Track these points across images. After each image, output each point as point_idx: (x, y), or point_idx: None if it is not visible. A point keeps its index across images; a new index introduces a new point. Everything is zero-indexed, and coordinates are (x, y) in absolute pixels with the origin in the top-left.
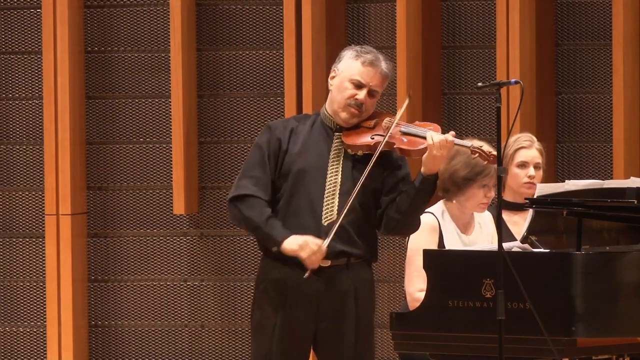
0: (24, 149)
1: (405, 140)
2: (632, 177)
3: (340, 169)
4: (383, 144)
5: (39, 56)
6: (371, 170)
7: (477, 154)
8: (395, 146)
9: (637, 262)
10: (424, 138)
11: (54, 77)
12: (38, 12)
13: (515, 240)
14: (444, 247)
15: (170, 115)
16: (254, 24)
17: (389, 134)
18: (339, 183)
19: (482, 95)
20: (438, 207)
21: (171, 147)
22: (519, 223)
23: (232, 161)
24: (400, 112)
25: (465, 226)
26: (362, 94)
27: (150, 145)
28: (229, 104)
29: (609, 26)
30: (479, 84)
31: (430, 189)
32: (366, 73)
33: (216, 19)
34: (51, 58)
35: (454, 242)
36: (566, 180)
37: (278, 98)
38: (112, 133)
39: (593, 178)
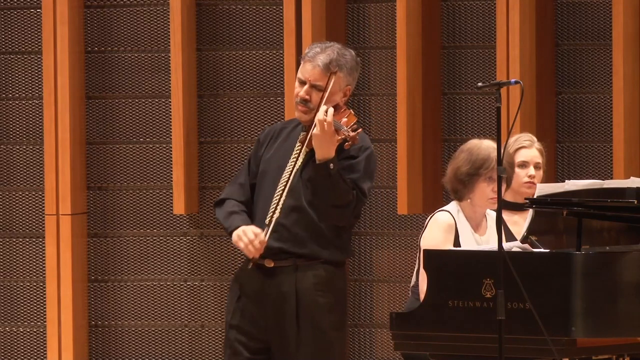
0: (24, 149)
1: None
2: (632, 177)
3: (294, 167)
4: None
5: (39, 56)
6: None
7: (342, 137)
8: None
9: (637, 262)
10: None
11: (54, 77)
12: (38, 12)
13: (515, 240)
14: (460, 246)
15: (170, 115)
16: (254, 24)
17: (313, 125)
18: (289, 182)
19: (482, 95)
20: (453, 206)
21: (171, 147)
22: (519, 223)
23: (232, 161)
24: (323, 100)
25: (478, 226)
26: (302, 91)
27: (150, 145)
28: (229, 104)
29: (609, 26)
30: (479, 84)
31: (323, 174)
32: (305, 69)
33: (216, 19)
34: (51, 58)
35: (469, 241)
36: (566, 180)
37: (278, 98)
38: (112, 133)
39: (593, 178)
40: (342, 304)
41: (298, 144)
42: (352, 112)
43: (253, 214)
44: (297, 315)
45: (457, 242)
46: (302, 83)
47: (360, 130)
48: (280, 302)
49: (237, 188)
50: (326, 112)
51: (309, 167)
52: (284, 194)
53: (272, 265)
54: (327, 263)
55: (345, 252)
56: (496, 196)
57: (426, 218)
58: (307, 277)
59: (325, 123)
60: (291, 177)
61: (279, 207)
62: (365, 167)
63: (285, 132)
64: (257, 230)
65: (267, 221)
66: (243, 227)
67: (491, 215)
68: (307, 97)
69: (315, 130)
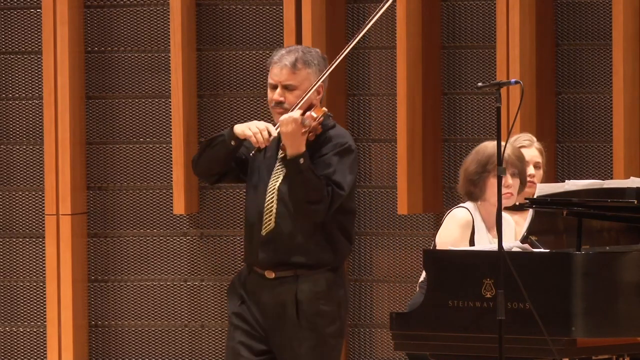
0: (24, 149)
1: None
2: (632, 177)
3: (282, 176)
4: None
5: (39, 56)
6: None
7: (305, 129)
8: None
9: (637, 262)
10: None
11: (54, 77)
12: (38, 12)
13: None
14: (474, 244)
15: (170, 115)
16: (254, 24)
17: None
18: (276, 191)
19: (482, 95)
20: (470, 204)
21: (171, 147)
22: (519, 223)
23: None
24: (304, 99)
25: (492, 227)
26: (275, 94)
27: (150, 145)
28: (229, 104)
29: (609, 26)
30: (479, 84)
31: (295, 170)
32: (273, 73)
33: (216, 19)
34: (51, 58)
35: (483, 239)
36: (566, 180)
37: None
38: (112, 133)
39: (593, 178)
40: (343, 312)
41: (280, 151)
42: (325, 108)
43: (245, 225)
44: (299, 323)
45: (472, 240)
46: (274, 87)
47: (321, 118)
48: (280, 311)
49: None
50: (292, 109)
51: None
52: (275, 199)
53: (272, 276)
54: (328, 270)
55: (343, 253)
56: (508, 190)
57: (426, 218)
58: (307, 287)
59: (288, 119)
60: (277, 185)
61: (273, 215)
62: (339, 162)
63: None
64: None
65: (263, 234)
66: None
67: (509, 217)
68: (281, 99)
69: (283, 128)
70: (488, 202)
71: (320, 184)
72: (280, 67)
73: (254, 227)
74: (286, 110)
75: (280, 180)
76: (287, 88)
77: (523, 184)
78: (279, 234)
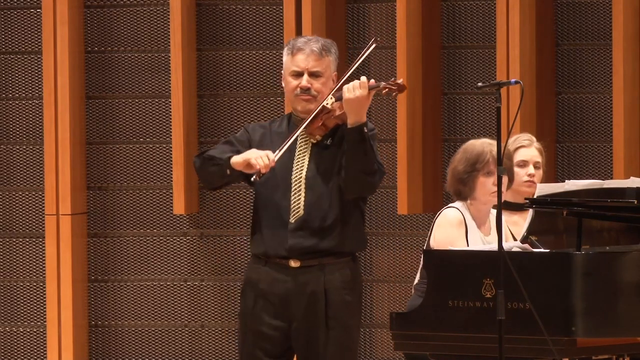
0: (24, 149)
1: (340, 106)
2: (632, 177)
3: (306, 163)
4: (324, 118)
5: (39, 56)
6: (329, 157)
7: (386, 89)
8: (336, 115)
9: (637, 262)
10: None
11: (54, 77)
12: (38, 12)
13: (515, 240)
14: (467, 243)
15: (170, 115)
16: (254, 24)
17: (320, 106)
18: (304, 178)
19: (482, 95)
20: (459, 204)
21: (171, 147)
22: (519, 223)
23: None
24: (340, 83)
25: (482, 225)
26: (303, 80)
27: (150, 145)
28: (229, 104)
29: (609, 26)
30: (479, 84)
31: (357, 139)
32: (298, 60)
33: (216, 19)
34: (51, 58)
35: (476, 237)
36: (566, 180)
37: (278, 98)
38: (112, 133)
39: (593, 178)
40: (361, 303)
41: (303, 137)
42: None
43: (260, 219)
44: (326, 314)
45: (465, 238)
46: (298, 75)
47: (401, 79)
48: (309, 302)
49: (230, 150)
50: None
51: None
52: (302, 188)
53: (298, 265)
54: (350, 260)
55: (364, 242)
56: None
57: (426, 218)
58: (334, 277)
59: (356, 83)
60: (304, 173)
61: (301, 203)
62: (373, 144)
63: (279, 128)
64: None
65: (292, 221)
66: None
67: (494, 215)
68: (309, 85)
69: (350, 94)
70: (478, 201)
71: (375, 156)
72: (306, 54)
73: (276, 218)
74: (314, 97)
75: (305, 168)
76: (313, 75)
77: (511, 181)
78: (307, 222)
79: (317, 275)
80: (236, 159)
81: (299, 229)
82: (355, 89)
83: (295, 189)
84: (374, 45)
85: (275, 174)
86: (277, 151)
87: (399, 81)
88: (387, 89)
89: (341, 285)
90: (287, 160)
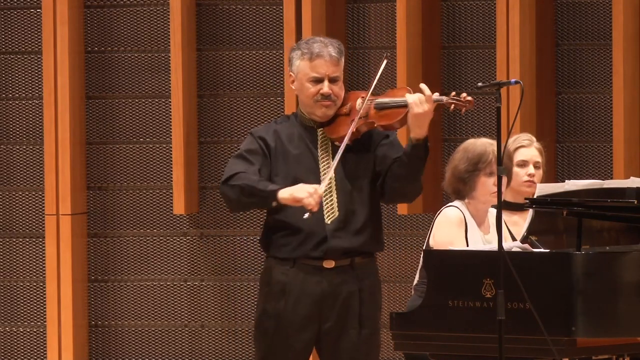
0: (24, 149)
1: (383, 115)
2: (632, 177)
3: (333, 164)
4: (359, 124)
5: (39, 56)
6: (356, 157)
7: (452, 105)
8: (375, 125)
9: (637, 262)
10: (402, 106)
11: (54, 77)
12: (38, 12)
13: (515, 240)
14: (467, 241)
15: (170, 115)
16: (254, 24)
17: (358, 116)
18: (334, 179)
19: (482, 95)
20: (459, 203)
21: (171, 147)
22: (519, 223)
23: None
24: (370, 89)
25: (481, 224)
26: (325, 87)
27: (150, 145)
28: (229, 104)
29: (609, 26)
30: (479, 84)
31: (422, 154)
32: (318, 66)
33: (216, 19)
34: (51, 58)
35: (476, 236)
36: (566, 180)
37: (278, 98)
38: (112, 133)
39: (593, 178)
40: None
41: (324, 137)
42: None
43: (284, 221)
44: (360, 313)
45: (465, 237)
46: (318, 81)
47: (469, 97)
48: (344, 302)
49: (245, 164)
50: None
51: (380, 146)
52: (334, 189)
53: (332, 265)
54: (374, 260)
55: (383, 243)
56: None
57: (426, 218)
58: (366, 276)
59: (422, 98)
60: (333, 175)
61: (335, 204)
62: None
63: (286, 130)
64: (315, 185)
65: (328, 222)
66: (298, 184)
67: (493, 214)
68: (330, 92)
69: (418, 109)
70: (476, 200)
71: None
72: (325, 60)
73: (306, 220)
74: (334, 102)
75: (332, 169)
76: (332, 80)
77: (509, 180)
78: (344, 222)
79: (351, 275)
80: (284, 195)
81: (338, 230)
82: (422, 103)
83: (327, 191)
84: (385, 62)
85: (302, 177)
86: (322, 184)
87: (468, 98)
88: (453, 104)
89: (372, 284)
90: (310, 162)
